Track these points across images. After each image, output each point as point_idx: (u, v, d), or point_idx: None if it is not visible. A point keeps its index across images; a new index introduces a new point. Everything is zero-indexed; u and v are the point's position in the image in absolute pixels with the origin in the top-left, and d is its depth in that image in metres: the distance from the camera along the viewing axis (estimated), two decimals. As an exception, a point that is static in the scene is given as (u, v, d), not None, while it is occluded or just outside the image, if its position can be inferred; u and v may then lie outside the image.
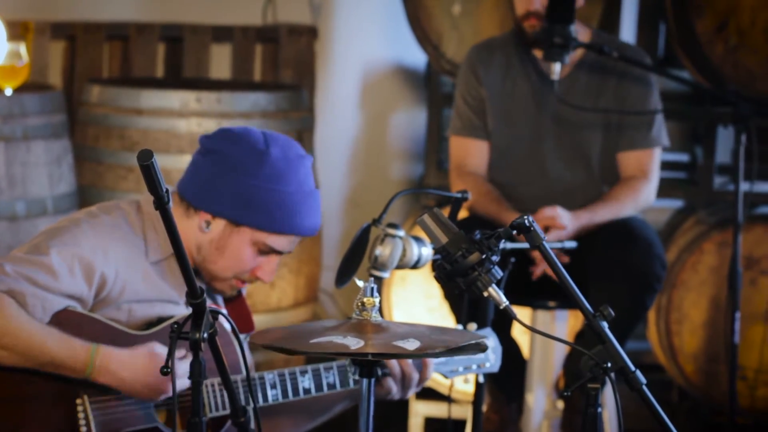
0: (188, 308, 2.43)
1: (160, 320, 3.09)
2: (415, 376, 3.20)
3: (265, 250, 3.14)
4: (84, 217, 3.08)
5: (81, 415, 2.97)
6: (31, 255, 2.97)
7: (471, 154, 4.47)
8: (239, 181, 3.08)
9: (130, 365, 2.96)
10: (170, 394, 2.97)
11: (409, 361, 3.19)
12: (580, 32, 4.40)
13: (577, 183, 4.43)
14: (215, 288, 3.21)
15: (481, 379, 3.37)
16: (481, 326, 3.42)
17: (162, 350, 3.00)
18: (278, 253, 3.16)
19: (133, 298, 3.07)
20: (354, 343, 2.31)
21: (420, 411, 4.93)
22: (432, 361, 3.22)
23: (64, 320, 2.97)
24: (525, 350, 4.51)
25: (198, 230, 3.14)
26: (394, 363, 3.17)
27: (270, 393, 3.12)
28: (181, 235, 3.08)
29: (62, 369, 2.94)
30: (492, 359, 3.33)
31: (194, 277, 2.41)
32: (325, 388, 3.17)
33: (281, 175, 3.09)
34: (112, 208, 3.12)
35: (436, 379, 4.77)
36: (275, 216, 3.09)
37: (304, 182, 3.13)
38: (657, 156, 4.44)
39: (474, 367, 3.31)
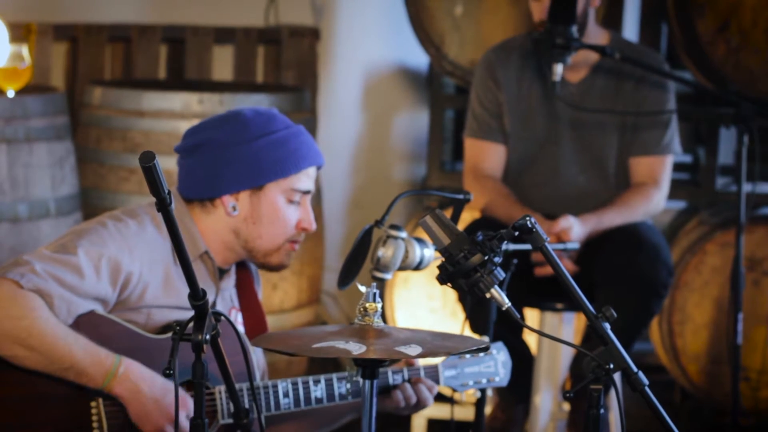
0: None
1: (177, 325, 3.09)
2: (430, 402, 3.21)
3: (295, 198, 3.15)
4: (109, 220, 3.08)
5: (95, 417, 2.97)
6: (58, 254, 2.97)
7: (487, 157, 4.47)
8: (236, 151, 3.10)
9: (150, 381, 2.96)
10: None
11: (423, 386, 3.20)
12: (597, 34, 4.41)
13: (590, 187, 4.43)
14: (273, 265, 3.21)
15: (489, 393, 3.37)
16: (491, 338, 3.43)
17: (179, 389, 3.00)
18: (306, 193, 3.17)
19: (153, 303, 3.07)
20: (356, 349, 2.31)
21: (423, 412, 4.92)
22: (434, 388, 3.23)
23: (85, 322, 2.97)
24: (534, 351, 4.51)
25: (227, 217, 3.14)
26: (411, 393, 3.18)
27: (282, 401, 3.12)
28: (212, 232, 3.14)
29: (82, 376, 2.93)
30: (501, 374, 3.34)
31: (196, 278, 2.41)
32: (337, 398, 3.17)
33: (265, 124, 3.14)
34: (137, 213, 3.13)
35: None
36: (285, 156, 3.12)
37: (287, 122, 3.18)
38: (669, 164, 4.45)
39: (484, 381, 3.31)
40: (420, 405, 3.21)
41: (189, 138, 3.18)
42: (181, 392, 2.95)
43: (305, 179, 3.17)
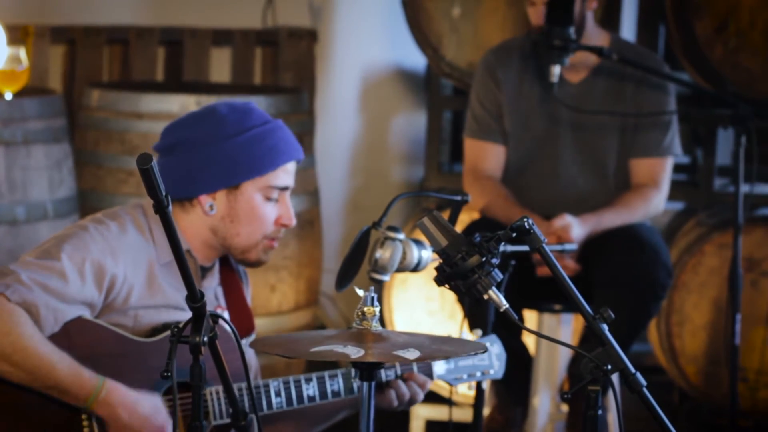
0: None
1: (166, 327, 3.08)
2: (421, 396, 3.21)
3: (273, 195, 3.15)
4: (91, 223, 3.08)
5: (85, 423, 2.97)
6: (42, 260, 2.97)
7: (486, 157, 4.48)
8: (212, 150, 3.10)
9: (132, 409, 2.96)
10: None
11: (414, 383, 3.19)
12: (598, 36, 4.42)
13: (589, 189, 4.44)
14: (251, 261, 3.20)
15: (484, 386, 3.37)
16: (486, 332, 3.42)
17: (164, 408, 2.99)
18: (284, 189, 3.17)
19: (139, 304, 3.07)
20: (354, 352, 2.31)
21: (421, 414, 4.93)
22: (419, 378, 3.23)
23: (73, 328, 2.97)
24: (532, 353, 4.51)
25: (205, 216, 3.14)
26: (404, 390, 3.17)
27: (275, 400, 3.12)
28: (191, 230, 3.14)
29: (65, 395, 2.93)
30: (496, 366, 3.33)
31: (194, 280, 2.41)
32: (329, 395, 3.17)
33: (241, 120, 3.13)
34: (117, 214, 3.12)
35: (439, 383, 4.77)
36: (262, 154, 3.11)
37: (264, 117, 3.17)
38: (669, 165, 4.46)
39: (478, 374, 3.31)
40: (412, 401, 3.21)
41: (166, 137, 3.17)
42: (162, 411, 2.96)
43: (283, 175, 3.16)
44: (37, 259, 2.97)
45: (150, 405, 2.98)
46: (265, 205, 3.15)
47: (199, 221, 3.15)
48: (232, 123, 3.12)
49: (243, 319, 3.29)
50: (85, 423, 2.97)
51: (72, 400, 2.93)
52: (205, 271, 3.22)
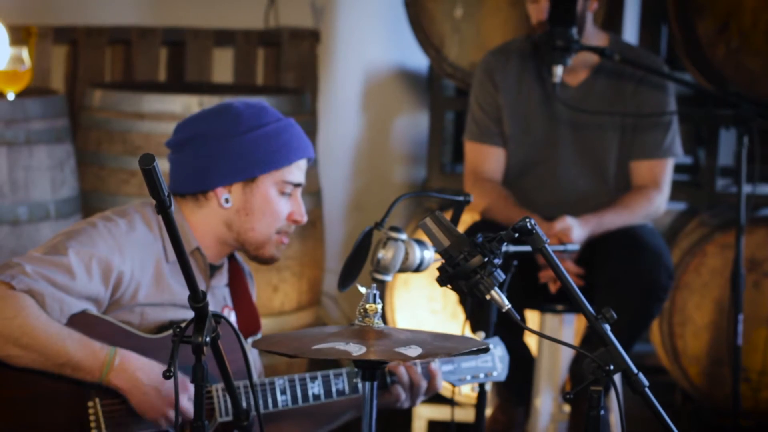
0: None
1: (172, 324, 3.09)
2: (423, 383, 3.20)
3: (287, 190, 3.17)
4: (100, 220, 3.10)
5: (92, 417, 2.98)
6: (49, 255, 2.98)
7: (487, 160, 4.48)
8: (229, 144, 3.12)
9: (148, 369, 2.97)
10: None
11: (417, 368, 3.19)
12: (596, 37, 4.41)
13: (590, 190, 4.43)
14: (265, 258, 3.22)
15: (487, 386, 3.37)
16: (489, 334, 3.43)
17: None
18: (297, 186, 3.19)
19: (146, 302, 3.07)
20: (356, 350, 2.31)
21: (423, 414, 4.93)
22: (440, 372, 3.23)
23: (78, 322, 2.98)
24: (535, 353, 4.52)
25: (220, 209, 3.15)
26: (402, 371, 3.17)
27: (280, 398, 3.13)
28: (204, 226, 3.15)
29: (78, 371, 2.94)
30: (499, 368, 3.33)
31: (197, 280, 2.41)
32: (334, 394, 3.17)
33: (256, 116, 3.16)
34: (127, 212, 3.13)
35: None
36: (278, 148, 3.14)
37: (278, 115, 3.20)
38: (670, 167, 4.46)
39: (481, 375, 3.31)
40: (415, 392, 3.20)
41: (180, 132, 3.18)
42: (181, 375, 2.96)
43: (297, 172, 3.19)
44: (44, 255, 2.98)
45: (160, 367, 2.99)
46: (279, 200, 3.17)
47: (213, 215, 3.16)
48: (248, 118, 3.14)
49: (250, 319, 3.30)
50: (91, 417, 2.98)
51: (87, 375, 2.94)
52: (214, 269, 3.23)
